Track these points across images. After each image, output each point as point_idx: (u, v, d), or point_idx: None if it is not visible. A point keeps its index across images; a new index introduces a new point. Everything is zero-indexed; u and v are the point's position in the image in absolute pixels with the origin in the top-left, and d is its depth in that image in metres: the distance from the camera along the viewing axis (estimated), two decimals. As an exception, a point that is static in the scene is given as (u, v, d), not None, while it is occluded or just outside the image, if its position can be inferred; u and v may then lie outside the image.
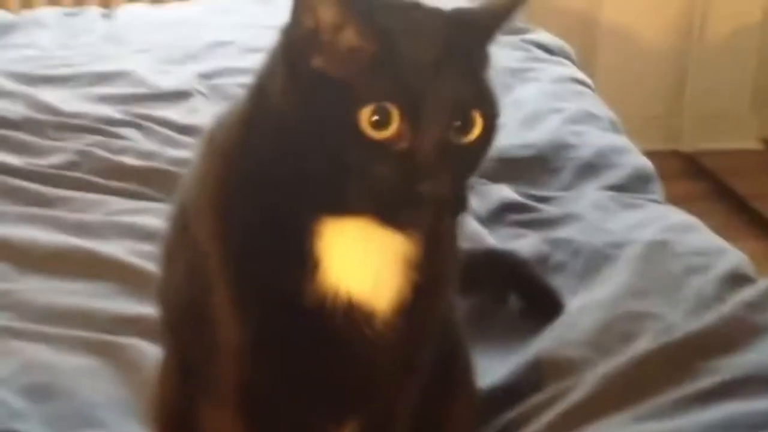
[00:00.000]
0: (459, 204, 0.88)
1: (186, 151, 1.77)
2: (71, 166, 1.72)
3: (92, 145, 1.78)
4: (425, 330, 0.97)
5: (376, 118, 0.82)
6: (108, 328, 1.29)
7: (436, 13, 0.88)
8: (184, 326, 0.99)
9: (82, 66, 2.17)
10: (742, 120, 3.33)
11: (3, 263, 1.42)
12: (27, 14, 2.52)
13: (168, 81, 2.10)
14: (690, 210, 1.57)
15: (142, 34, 2.40)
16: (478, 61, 0.88)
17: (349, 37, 0.83)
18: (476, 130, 0.85)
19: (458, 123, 0.84)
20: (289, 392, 0.94)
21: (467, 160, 0.86)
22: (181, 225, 0.98)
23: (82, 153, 1.75)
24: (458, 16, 0.88)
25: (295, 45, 0.85)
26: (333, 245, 0.89)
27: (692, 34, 3.27)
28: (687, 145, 3.31)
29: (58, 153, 1.76)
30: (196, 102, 2.02)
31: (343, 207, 0.86)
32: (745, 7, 3.25)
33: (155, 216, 1.55)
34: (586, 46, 2.91)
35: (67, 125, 1.86)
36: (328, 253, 0.89)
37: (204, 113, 1.95)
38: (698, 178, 3.14)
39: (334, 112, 0.82)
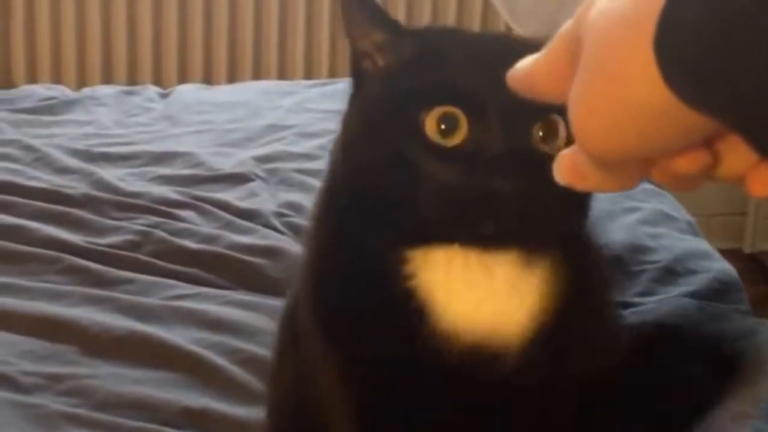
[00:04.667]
0: (565, 214, 0.83)
1: (245, 236, 1.75)
2: (131, 246, 1.69)
3: (152, 226, 1.76)
4: (578, 363, 0.88)
5: (443, 126, 0.79)
6: (173, 422, 1.24)
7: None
8: None
9: (140, 145, 2.18)
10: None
11: (68, 345, 1.39)
12: (86, 91, 2.53)
13: (226, 163, 2.09)
14: (754, 316, 1.50)
15: (198, 114, 2.41)
16: None
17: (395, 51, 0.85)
18: (561, 138, 0.81)
19: (540, 130, 0.80)
20: None
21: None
22: (290, 320, 0.94)
23: (141, 234, 1.72)
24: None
25: (358, 66, 0.87)
26: (434, 284, 0.83)
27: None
28: (750, 246, 3.25)
29: (118, 233, 1.73)
30: (255, 186, 2.00)
31: (428, 232, 0.82)
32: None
33: (216, 303, 1.53)
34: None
35: (127, 205, 1.84)
36: (432, 294, 0.83)
37: (262, 198, 1.94)
38: (762, 281, 3.07)
39: (399, 124, 0.81)
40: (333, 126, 2.38)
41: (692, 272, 1.60)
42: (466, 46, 0.85)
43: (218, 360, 1.36)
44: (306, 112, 2.42)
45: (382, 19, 0.85)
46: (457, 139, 0.79)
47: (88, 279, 1.58)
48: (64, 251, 1.64)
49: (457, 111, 0.79)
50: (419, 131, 0.79)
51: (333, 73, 3.14)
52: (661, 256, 1.64)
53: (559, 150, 0.76)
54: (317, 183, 1.99)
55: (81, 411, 1.24)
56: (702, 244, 1.72)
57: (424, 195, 0.79)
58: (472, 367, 0.83)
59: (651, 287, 1.58)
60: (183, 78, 3.13)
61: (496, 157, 0.78)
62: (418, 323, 0.83)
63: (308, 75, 3.18)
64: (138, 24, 3.15)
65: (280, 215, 1.85)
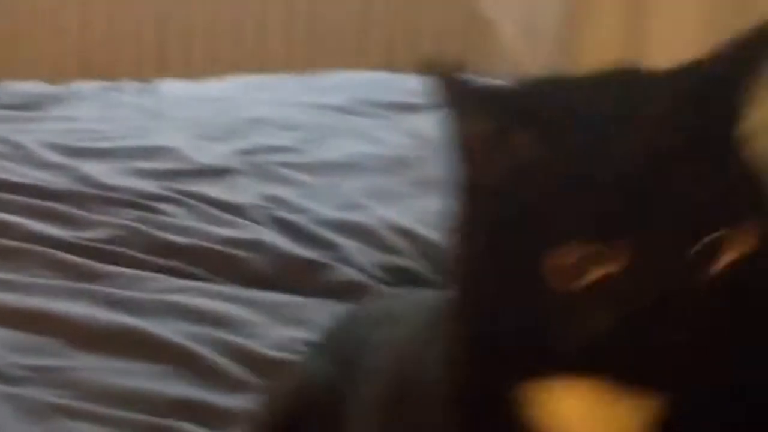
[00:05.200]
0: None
1: (228, 229, 1.76)
2: (115, 240, 1.70)
3: (135, 220, 1.77)
4: None
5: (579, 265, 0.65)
6: (162, 412, 1.26)
7: (660, 84, 0.68)
8: None
9: (122, 140, 2.17)
10: None
11: (54, 339, 1.40)
12: (68, 87, 2.53)
13: (208, 157, 2.09)
14: None
15: (180, 109, 2.41)
16: (728, 142, 0.67)
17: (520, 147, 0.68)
18: (727, 255, 0.64)
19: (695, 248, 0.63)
20: None
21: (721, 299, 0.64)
22: None
23: (125, 228, 1.73)
24: (697, 79, 0.68)
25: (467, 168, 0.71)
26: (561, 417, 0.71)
27: None
28: None
29: (102, 227, 1.74)
30: (237, 179, 2.01)
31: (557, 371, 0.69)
32: None
33: (201, 296, 1.55)
34: None
35: (110, 199, 1.85)
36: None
37: (245, 191, 1.95)
38: None
39: (519, 254, 0.67)
40: (314, 118, 2.40)
41: None
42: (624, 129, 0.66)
43: (203, 351, 1.38)
44: (286, 106, 2.43)
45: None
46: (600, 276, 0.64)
47: (73, 273, 1.59)
48: (49, 246, 1.66)
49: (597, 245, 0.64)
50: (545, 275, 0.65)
51: (312, 66, 3.15)
52: None
53: (721, 269, 0.63)
54: (299, 176, 2.03)
55: (70, 402, 1.26)
56: None
57: (564, 341, 0.66)
58: None
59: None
60: (164, 73, 3.13)
61: (656, 300, 0.63)
62: None
63: (288, 68, 3.19)
64: (119, 19, 3.16)
65: (262, 208, 1.86)
